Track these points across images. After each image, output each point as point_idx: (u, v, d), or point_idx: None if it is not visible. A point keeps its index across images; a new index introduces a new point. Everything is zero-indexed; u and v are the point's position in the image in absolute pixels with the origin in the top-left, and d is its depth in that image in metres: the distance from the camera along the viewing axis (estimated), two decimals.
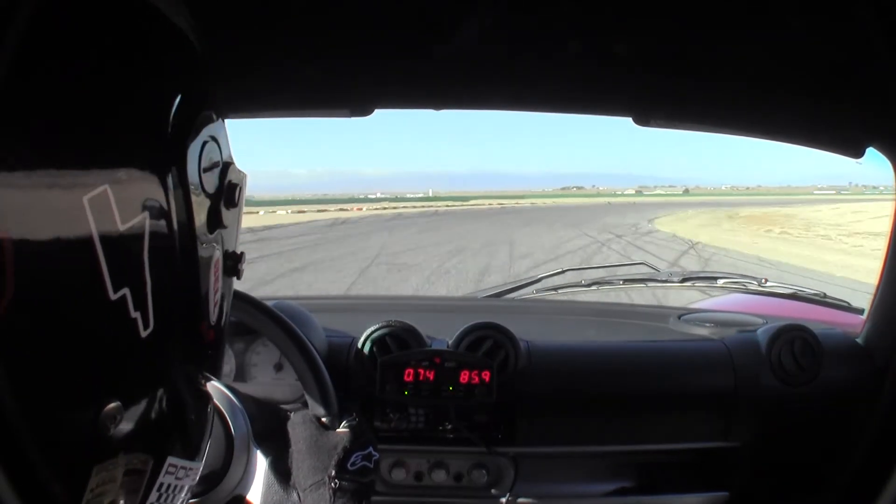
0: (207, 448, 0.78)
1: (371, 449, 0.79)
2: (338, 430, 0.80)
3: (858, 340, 1.16)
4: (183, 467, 0.45)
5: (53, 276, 0.32)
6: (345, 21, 0.80)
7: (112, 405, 0.35)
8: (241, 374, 1.07)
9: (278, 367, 1.07)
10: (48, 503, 0.32)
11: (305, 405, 0.85)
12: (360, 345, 1.10)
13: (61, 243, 0.32)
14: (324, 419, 0.81)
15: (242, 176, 0.52)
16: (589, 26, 0.81)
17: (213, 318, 0.49)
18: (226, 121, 0.50)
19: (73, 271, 0.33)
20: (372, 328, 1.11)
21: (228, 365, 1.07)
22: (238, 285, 0.58)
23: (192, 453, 0.47)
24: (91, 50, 0.34)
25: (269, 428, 0.84)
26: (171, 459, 0.43)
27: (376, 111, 1.07)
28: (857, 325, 1.20)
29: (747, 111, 1.10)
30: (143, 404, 0.39)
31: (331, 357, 1.08)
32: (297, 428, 0.81)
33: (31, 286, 0.30)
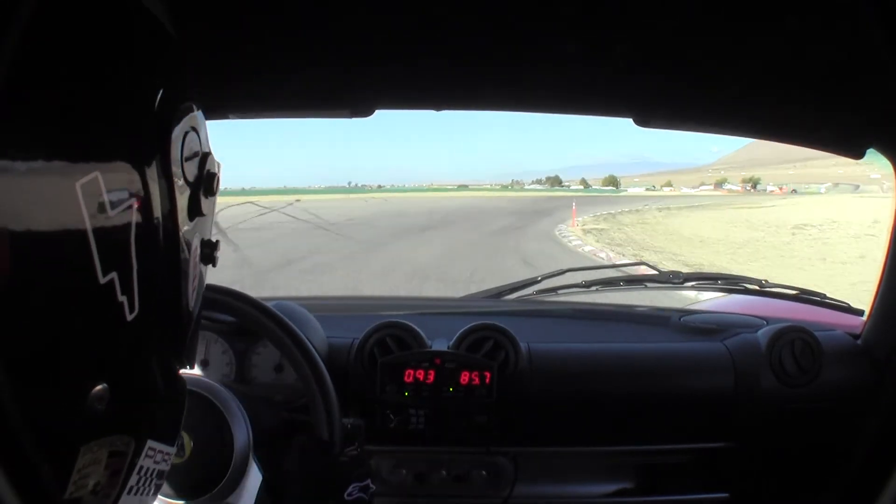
0: (206, 452, 0.78)
1: (369, 481, 0.79)
2: (339, 458, 0.79)
3: (858, 341, 1.16)
4: (160, 451, 0.46)
5: (47, 259, 0.33)
6: (346, 22, 0.80)
7: (100, 387, 0.36)
8: (241, 376, 1.06)
9: (278, 369, 1.06)
10: (37, 484, 0.32)
11: (305, 407, 0.85)
12: (360, 345, 1.10)
13: (55, 228, 0.33)
14: (325, 444, 0.80)
15: (219, 166, 0.53)
16: (589, 26, 0.81)
17: (192, 304, 0.51)
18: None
19: (65, 255, 0.34)
20: (372, 329, 1.11)
21: (229, 366, 1.06)
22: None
23: (168, 438, 0.48)
24: (80, 46, 0.35)
25: (268, 431, 0.84)
26: (150, 443, 0.45)
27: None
28: (857, 325, 1.20)
29: (748, 111, 1.11)
30: (127, 387, 0.40)
31: (331, 358, 1.07)
32: (298, 451, 0.80)
33: (25, 270, 0.31)
